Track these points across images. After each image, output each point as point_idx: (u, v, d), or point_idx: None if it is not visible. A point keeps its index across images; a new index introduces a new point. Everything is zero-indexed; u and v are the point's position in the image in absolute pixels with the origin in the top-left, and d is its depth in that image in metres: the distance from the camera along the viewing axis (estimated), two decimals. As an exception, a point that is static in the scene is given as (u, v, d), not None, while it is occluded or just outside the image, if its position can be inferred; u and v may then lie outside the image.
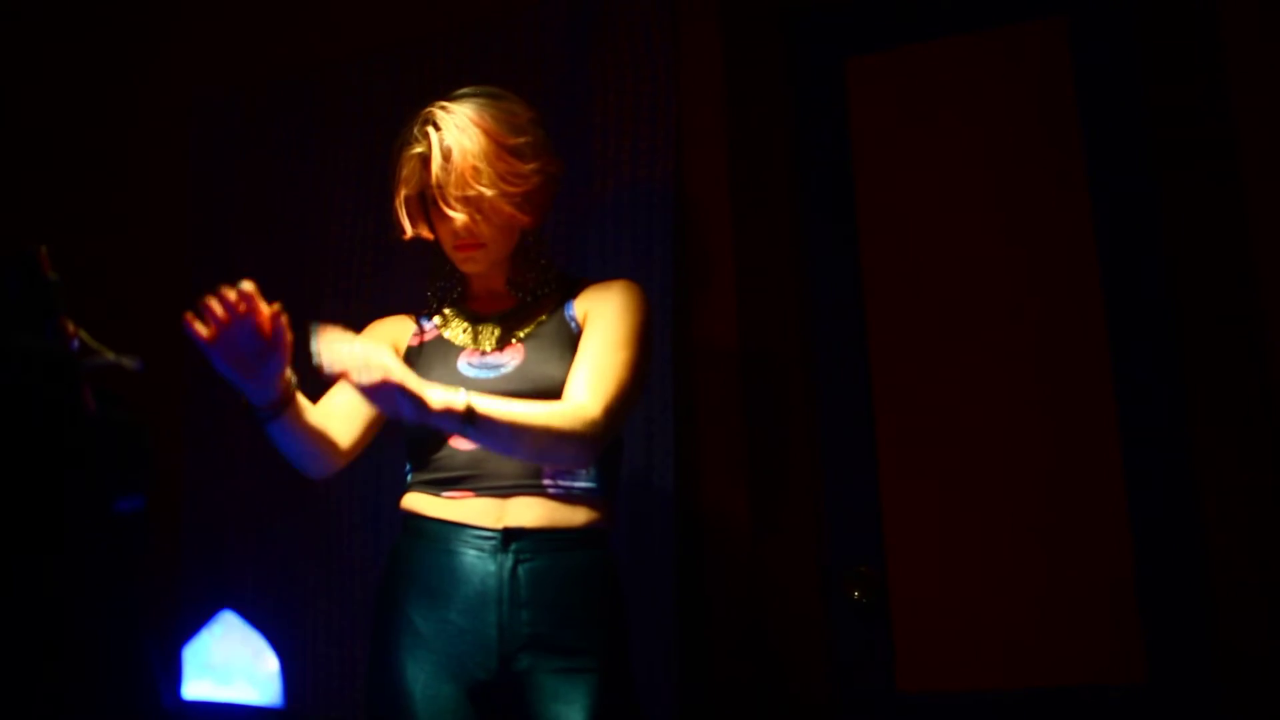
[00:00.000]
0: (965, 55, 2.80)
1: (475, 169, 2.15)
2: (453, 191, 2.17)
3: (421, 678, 2.08)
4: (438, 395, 1.99)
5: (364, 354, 1.92)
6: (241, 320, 1.90)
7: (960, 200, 2.75)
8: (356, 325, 2.30)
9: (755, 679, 2.64)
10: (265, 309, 1.93)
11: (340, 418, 2.20)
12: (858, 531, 2.71)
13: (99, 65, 3.49)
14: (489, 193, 2.16)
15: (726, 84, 2.88)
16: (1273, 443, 2.42)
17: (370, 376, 1.91)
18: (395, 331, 2.34)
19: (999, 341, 2.68)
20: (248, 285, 1.92)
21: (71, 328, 1.47)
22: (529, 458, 2.11)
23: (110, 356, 1.37)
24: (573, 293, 2.31)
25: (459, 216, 2.18)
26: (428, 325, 2.33)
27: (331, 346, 1.92)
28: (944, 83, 2.81)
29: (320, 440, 2.14)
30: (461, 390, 2.03)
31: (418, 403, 1.95)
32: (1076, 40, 2.70)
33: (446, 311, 2.33)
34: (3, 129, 3.49)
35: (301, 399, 2.10)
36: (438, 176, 2.17)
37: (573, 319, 2.26)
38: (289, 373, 2.02)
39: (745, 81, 2.90)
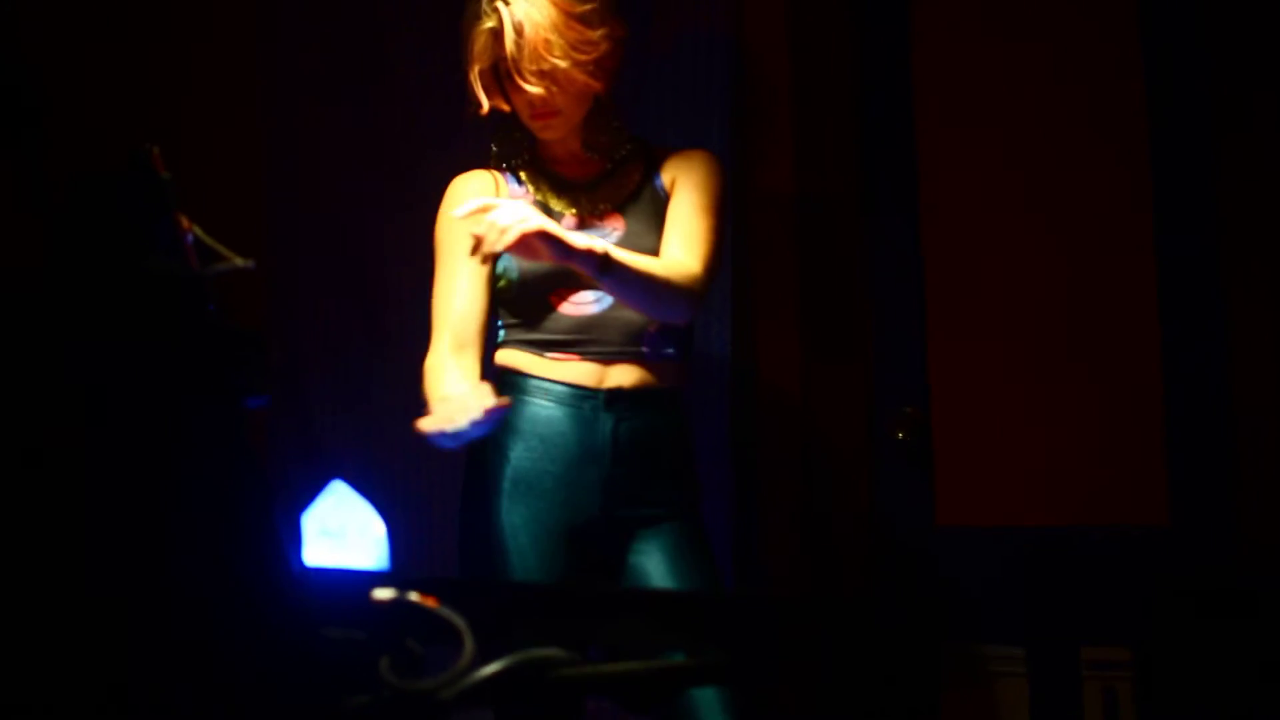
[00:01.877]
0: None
1: (547, 41, 2.22)
2: (528, 65, 2.24)
3: (523, 521, 2.25)
4: (580, 238, 2.15)
5: (494, 221, 2.06)
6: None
7: (1017, 71, 2.80)
8: (432, 177, 2.42)
9: (804, 518, 2.81)
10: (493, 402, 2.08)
11: (473, 344, 2.31)
12: (905, 374, 2.85)
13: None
14: (563, 64, 2.23)
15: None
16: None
17: (510, 238, 2.05)
18: (484, 195, 2.36)
19: (1046, 198, 2.76)
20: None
21: (186, 223, 1.59)
22: (644, 306, 2.26)
23: (226, 255, 1.50)
24: (658, 163, 2.40)
25: (536, 89, 2.25)
26: (515, 189, 2.39)
27: (471, 224, 2.06)
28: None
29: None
30: (598, 238, 2.18)
31: (561, 245, 2.10)
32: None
33: (527, 175, 2.39)
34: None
35: (461, 385, 2.21)
36: (511, 51, 2.23)
37: (661, 188, 2.37)
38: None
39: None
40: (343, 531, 1.58)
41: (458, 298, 2.32)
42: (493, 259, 2.23)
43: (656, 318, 2.29)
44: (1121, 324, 2.69)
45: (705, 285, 2.29)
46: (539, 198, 2.37)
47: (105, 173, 1.61)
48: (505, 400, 2.12)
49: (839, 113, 2.92)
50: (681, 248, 2.29)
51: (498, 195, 2.36)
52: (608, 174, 2.38)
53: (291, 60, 3.21)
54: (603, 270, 2.15)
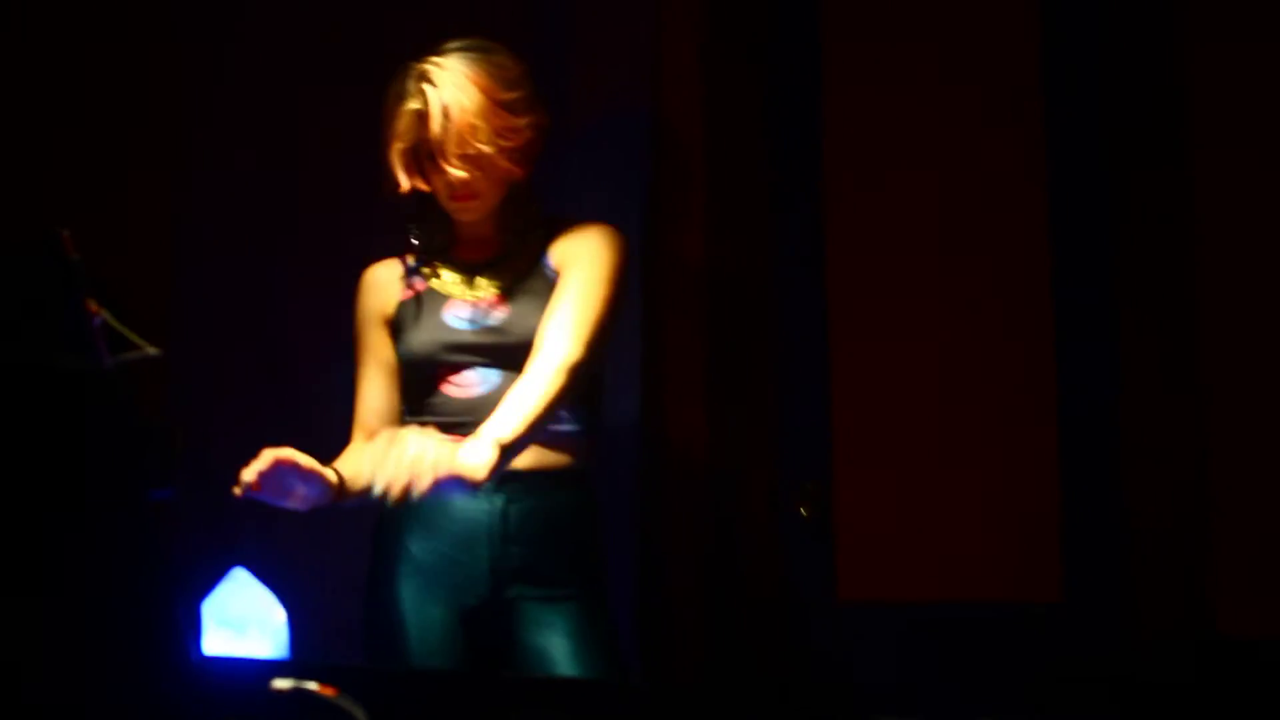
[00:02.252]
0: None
1: (473, 126, 2.25)
2: (453, 149, 2.26)
3: (417, 603, 2.28)
4: (476, 460, 2.06)
5: (408, 468, 2.02)
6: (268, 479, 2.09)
7: (926, 134, 2.87)
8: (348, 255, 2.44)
9: (709, 591, 2.84)
10: (295, 458, 2.11)
11: (380, 428, 2.34)
12: (808, 448, 2.89)
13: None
14: (487, 149, 2.26)
15: (704, 13, 2.97)
16: (1195, 374, 2.60)
17: (424, 484, 2.02)
18: (384, 298, 2.43)
19: (951, 276, 2.83)
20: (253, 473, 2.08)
21: (94, 308, 1.59)
22: (556, 420, 2.26)
23: (134, 341, 1.50)
24: (550, 238, 2.40)
25: (459, 173, 2.27)
26: (416, 279, 2.43)
27: (385, 476, 2.03)
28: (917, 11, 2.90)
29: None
30: (482, 436, 2.11)
31: (473, 481, 2.07)
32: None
33: (433, 262, 2.42)
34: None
35: (346, 469, 2.26)
36: (437, 135, 2.25)
37: (549, 267, 2.38)
38: (329, 475, 2.19)
39: (723, 10, 2.99)
40: (243, 621, 1.58)
41: (368, 393, 2.41)
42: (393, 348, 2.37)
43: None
44: (1020, 405, 2.76)
45: (587, 363, 2.26)
46: (433, 284, 2.41)
47: (13, 254, 1.61)
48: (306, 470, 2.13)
49: (750, 186, 2.98)
50: (556, 328, 2.26)
51: (400, 287, 2.42)
52: (504, 255, 2.40)
53: (205, 137, 3.20)
54: (508, 455, 2.13)
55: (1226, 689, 2.43)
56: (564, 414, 2.32)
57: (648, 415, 2.87)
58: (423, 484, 2.01)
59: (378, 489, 2.02)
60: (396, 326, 2.40)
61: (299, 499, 2.16)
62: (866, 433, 2.87)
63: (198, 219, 3.17)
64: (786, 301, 2.95)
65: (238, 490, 2.08)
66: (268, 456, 2.10)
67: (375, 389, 2.40)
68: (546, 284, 2.36)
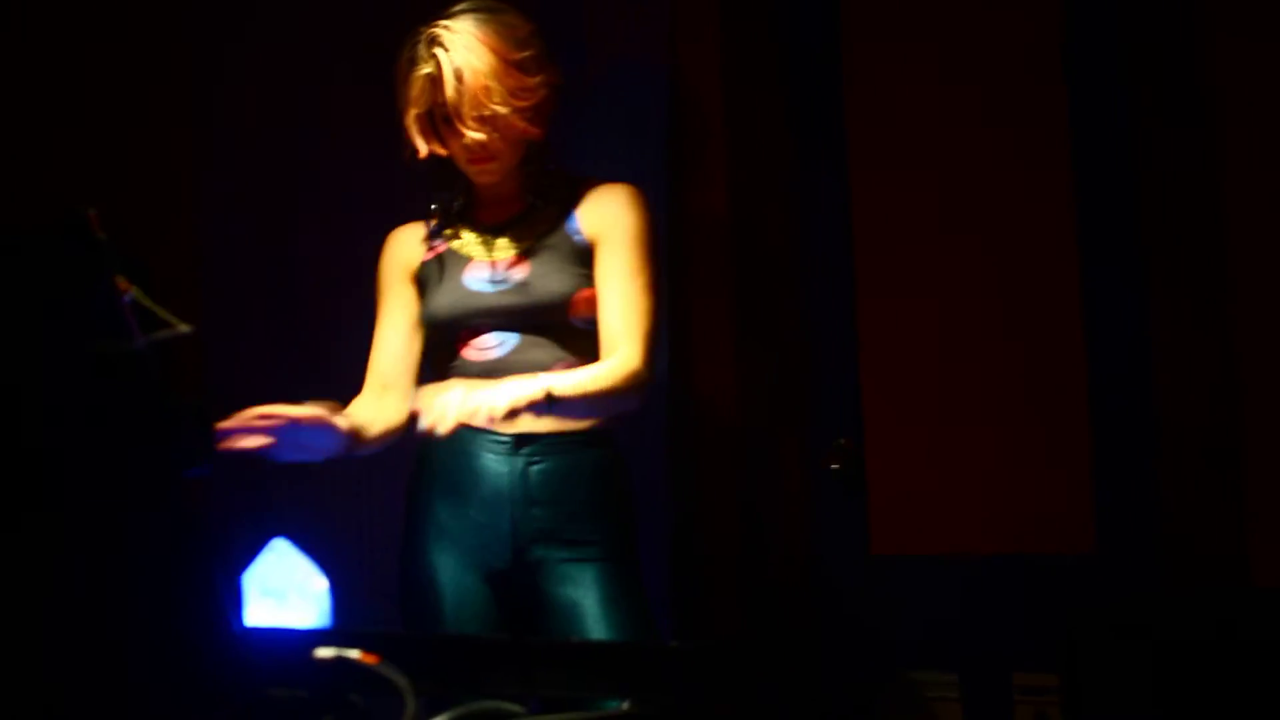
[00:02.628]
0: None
1: (487, 88, 2.25)
2: (468, 112, 2.26)
3: (446, 568, 2.31)
4: (520, 393, 2.11)
5: (441, 407, 2.06)
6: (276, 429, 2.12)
7: (946, 81, 2.85)
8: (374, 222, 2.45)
9: (742, 549, 2.86)
10: (289, 413, 2.13)
11: (398, 384, 2.39)
12: (839, 404, 2.89)
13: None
14: (502, 110, 2.26)
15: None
16: (1225, 325, 2.58)
17: (445, 427, 2.06)
18: (408, 255, 2.45)
19: (979, 227, 2.82)
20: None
21: (124, 285, 1.60)
22: (599, 412, 2.31)
23: (165, 318, 1.51)
24: (574, 200, 2.39)
25: (477, 135, 2.27)
26: (437, 241, 2.43)
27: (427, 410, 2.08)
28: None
29: (393, 424, 2.35)
30: (540, 376, 2.17)
31: (507, 415, 2.10)
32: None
33: (454, 223, 2.43)
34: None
35: (359, 416, 2.29)
36: (451, 98, 2.25)
37: (577, 231, 2.37)
38: (340, 423, 2.22)
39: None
40: (284, 590, 1.60)
41: (385, 342, 2.42)
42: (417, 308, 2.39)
43: (616, 412, 2.33)
44: (1050, 357, 2.75)
45: (651, 365, 2.31)
46: (454, 245, 2.41)
47: (42, 233, 1.62)
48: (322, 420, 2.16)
49: (773, 138, 2.97)
50: (621, 327, 2.29)
51: (423, 247, 2.43)
52: (525, 215, 2.40)
53: (229, 108, 3.21)
54: (550, 406, 2.17)
55: (1261, 640, 2.43)
56: None
57: (676, 374, 2.87)
58: (457, 410, 2.05)
59: (423, 424, 2.08)
60: (420, 286, 2.41)
61: (314, 450, 2.19)
62: (897, 387, 2.86)
63: (222, 194, 3.18)
64: (814, 256, 2.95)
65: (222, 445, 2.08)
66: (254, 415, 2.13)
67: (393, 339, 2.41)
68: (572, 247, 2.36)
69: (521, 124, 2.30)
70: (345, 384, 2.39)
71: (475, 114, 2.26)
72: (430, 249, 2.43)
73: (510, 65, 2.27)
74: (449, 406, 2.05)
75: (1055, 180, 2.75)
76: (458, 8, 2.32)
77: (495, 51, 2.26)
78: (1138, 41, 2.67)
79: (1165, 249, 2.64)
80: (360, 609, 2.21)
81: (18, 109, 3.20)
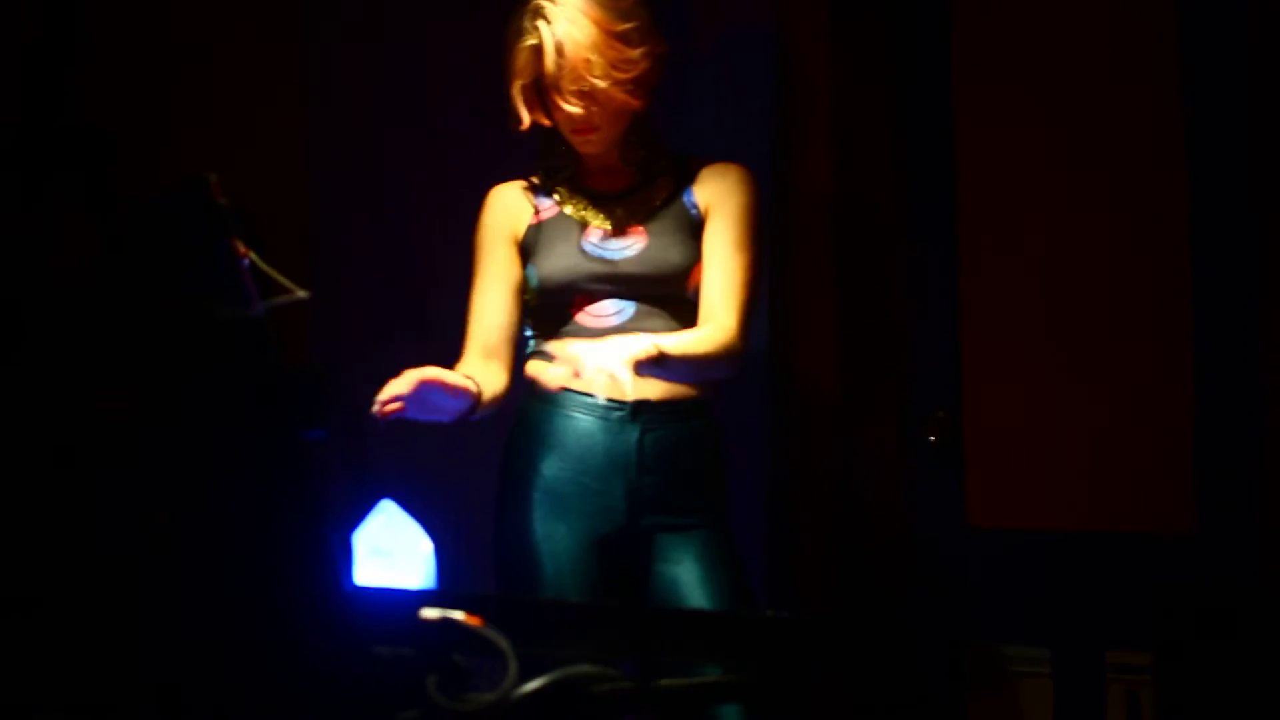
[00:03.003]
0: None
1: (587, 60, 2.27)
2: (568, 84, 2.28)
3: (553, 530, 2.34)
4: (633, 350, 2.16)
5: (596, 368, 2.12)
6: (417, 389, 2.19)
7: (1056, 55, 2.81)
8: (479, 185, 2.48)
9: (839, 517, 2.86)
10: (435, 376, 2.20)
11: (501, 351, 2.43)
12: (938, 376, 2.89)
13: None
14: (602, 83, 2.28)
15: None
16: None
17: (603, 382, 2.12)
18: (513, 218, 2.45)
19: (1084, 200, 2.78)
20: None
21: (242, 249, 1.64)
22: (695, 375, 2.34)
23: (281, 282, 1.55)
24: (689, 176, 2.42)
25: (575, 109, 2.30)
26: (545, 203, 2.45)
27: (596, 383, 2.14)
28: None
29: (499, 391, 2.39)
30: (643, 337, 2.21)
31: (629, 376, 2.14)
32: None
33: (563, 189, 2.45)
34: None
35: (486, 380, 2.34)
36: (551, 70, 2.28)
37: (693, 206, 2.40)
38: (471, 387, 2.27)
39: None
40: (392, 551, 1.64)
41: (488, 309, 2.42)
42: (521, 267, 2.42)
43: (708, 377, 2.37)
44: (1154, 331, 2.72)
45: (745, 337, 2.35)
46: (567, 210, 2.43)
47: (164, 199, 1.67)
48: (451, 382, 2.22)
49: (879, 110, 2.95)
50: (721, 298, 2.34)
51: (530, 209, 2.45)
52: (638, 186, 2.42)
53: (337, 75, 3.24)
54: (658, 365, 2.21)
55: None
56: None
57: (776, 344, 2.88)
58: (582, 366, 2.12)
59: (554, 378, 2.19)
60: (526, 250, 2.43)
61: (446, 412, 2.25)
62: (997, 360, 2.85)
63: (329, 157, 3.23)
64: (915, 227, 2.93)
65: (376, 410, 2.17)
66: (410, 377, 2.19)
67: (497, 305, 2.42)
68: (689, 221, 2.38)
69: (622, 96, 2.31)
70: (446, 350, 2.42)
71: (575, 87, 2.28)
72: (537, 211, 2.44)
73: (612, 37, 2.28)
74: (602, 362, 2.11)
75: (1170, 150, 2.70)
76: None
77: (598, 23, 2.27)
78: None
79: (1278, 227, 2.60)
80: (463, 573, 2.26)
81: (139, 81, 3.27)
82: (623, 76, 2.29)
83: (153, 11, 3.36)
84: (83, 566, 1.41)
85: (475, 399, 2.29)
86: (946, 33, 2.90)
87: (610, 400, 2.30)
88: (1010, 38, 2.85)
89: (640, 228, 2.38)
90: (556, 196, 2.44)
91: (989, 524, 2.84)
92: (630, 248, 2.35)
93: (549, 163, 2.45)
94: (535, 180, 2.47)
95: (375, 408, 2.18)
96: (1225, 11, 2.65)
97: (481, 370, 2.38)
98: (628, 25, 2.30)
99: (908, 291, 2.93)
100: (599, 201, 2.41)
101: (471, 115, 2.99)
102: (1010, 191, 2.85)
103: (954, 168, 2.89)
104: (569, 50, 2.27)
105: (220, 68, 3.30)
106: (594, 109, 2.31)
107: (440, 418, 2.26)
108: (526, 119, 2.36)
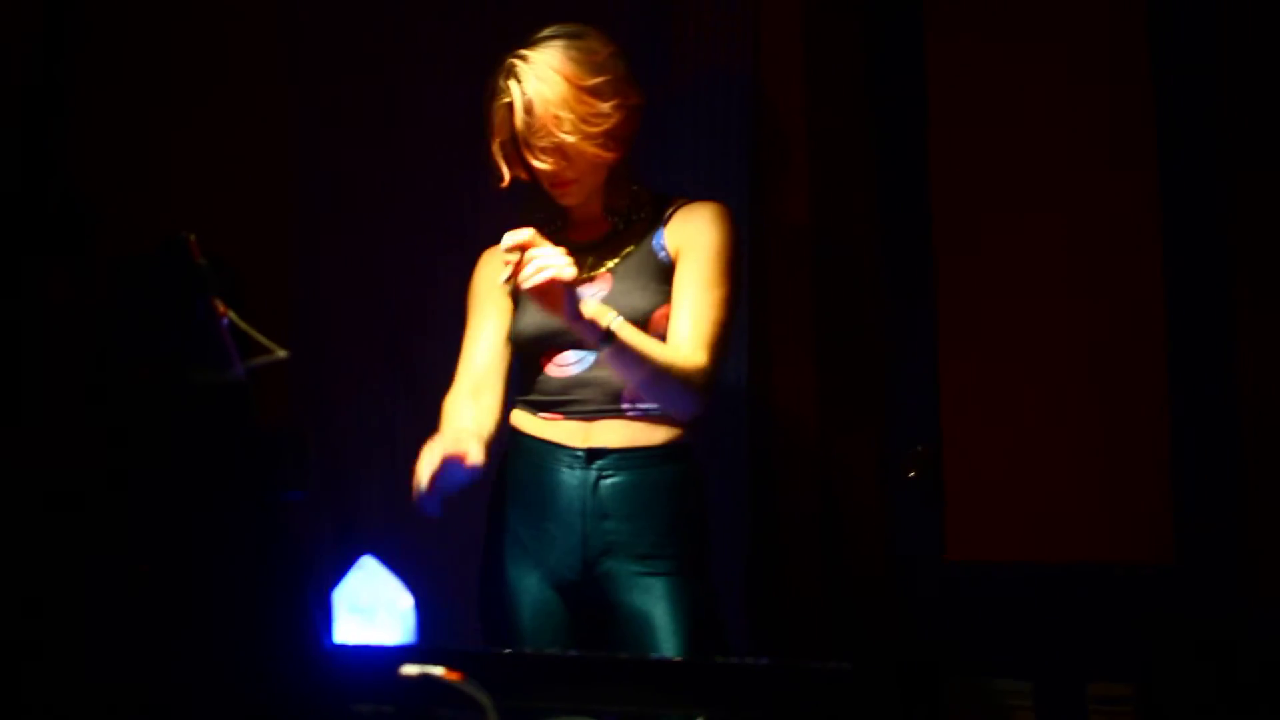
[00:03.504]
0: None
1: (557, 117, 2.28)
2: (537, 142, 2.30)
3: (523, 581, 2.36)
4: (591, 306, 2.20)
5: (535, 257, 2.15)
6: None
7: (1031, 91, 2.84)
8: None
9: (819, 554, 2.88)
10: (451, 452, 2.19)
11: (491, 387, 2.43)
12: (917, 411, 2.90)
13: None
14: (571, 139, 2.29)
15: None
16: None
17: (538, 279, 2.13)
18: (502, 273, 2.48)
19: (1059, 238, 2.81)
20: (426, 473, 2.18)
21: (221, 309, 1.66)
22: (646, 390, 2.30)
23: (260, 341, 1.56)
24: (662, 217, 2.42)
25: (543, 165, 2.32)
26: None
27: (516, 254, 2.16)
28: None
29: (490, 432, 2.38)
30: (614, 312, 2.23)
31: (574, 305, 2.17)
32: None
33: (550, 240, 2.47)
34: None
35: (469, 434, 2.30)
36: (521, 129, 2.30)
37: (662, 248, 2.39)
38: (478, 455, 2.25)
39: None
40: (372, 608, 1.65)
41: (478, 351, 2.45)
42: (512, 300, 2.41)
43: (663, 406, 2.33)
44: (1131, 365, 2.74)
45: (711, 374, 2.31)
46: None
47: (144, 259, 1.68)
48: (469, 457, 2.21)
49: (854, 148, 2.97)
50: (688, 332, 2.31)
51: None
52: (614, 234, 2.43)
53: (323, 139, 3.24)
54: (603, 340, 2.21)
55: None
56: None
57: (755, 379, 2.90)
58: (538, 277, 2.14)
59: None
60: (514, 301, 2.45)
61: (455, 486, 2.23)
62: (975, 394, 2.87)
63: (313, 217, 3.23)
64: (893, 263, 2.95)
65: (416, 496, 2.19)
66: (434, 458, 2.19)
67: (485, 348, 2.44)
68: (657, 265, 2.38)
69: (594, 150, 2.32)
70: (431, 406, 2.44)
71: (544, 143, 2.30)
72: None
73: (583, 91, 2.29)
74: (544, 265, 2.14)
75: (1141, 186, 2.74)
76: (541, 34, 2.35)
77: (568, 79, 2.28)
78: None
79: (1253, 257, 2.62)
80: (445, 626, 2.27)
81: (115, 137, 3.29)
82: (594, 130, 2.31)
83: (133, 72, 3.39)
84: (63, 618, 1.42)
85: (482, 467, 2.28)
86: (922, 70, 2.93)
87: (569, 448, 2.35)
88: (985, 74, 2.88)
89: (608, 274, 2.39)
90: None
91: (969, 557, 2.86)
92: (595, 296, 2.36)
93: (538, 215, 2.47)
94: None
95: (414, 495, 2.19)
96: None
97: (470, 408, 2.40)
98: (599, 79, 2.31)
99: (887, 327, 2.95)
100: (577, 253, 2.42)
101: (458, 169, 3.01)
102: (989, 227, 2.87)
103: (930, 203, 2.92)
104: (538, 108, 2.29)
105: (202, 122, 3.32)
106: (564, 164, 2.33)
107: (461, 481, 2.24)
108: (507, 176, 2.38)
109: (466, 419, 2.37)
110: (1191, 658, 2.60)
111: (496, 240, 2.52)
